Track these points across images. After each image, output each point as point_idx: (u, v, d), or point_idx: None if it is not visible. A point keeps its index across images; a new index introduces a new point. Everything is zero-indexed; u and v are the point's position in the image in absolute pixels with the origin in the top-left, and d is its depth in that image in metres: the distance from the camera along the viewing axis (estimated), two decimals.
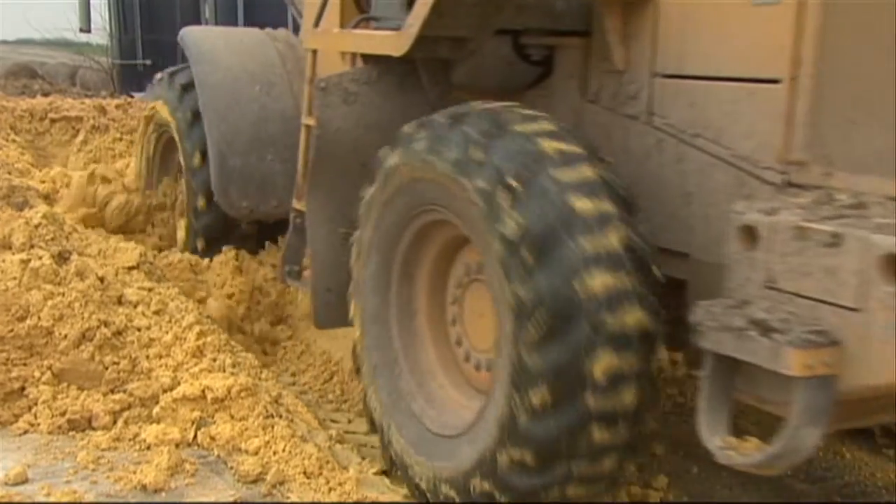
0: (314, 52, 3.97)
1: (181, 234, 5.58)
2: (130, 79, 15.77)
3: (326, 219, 3.71)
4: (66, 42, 19.67)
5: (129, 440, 3.45)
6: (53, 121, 8.31)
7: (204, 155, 4.97)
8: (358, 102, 3.60)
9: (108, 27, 16.59)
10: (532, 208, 2.62)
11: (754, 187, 2.74)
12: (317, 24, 3.97)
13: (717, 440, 2.39)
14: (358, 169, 3.52)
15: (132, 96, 10.59)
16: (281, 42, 5.00)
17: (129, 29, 16.76)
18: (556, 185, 2.64)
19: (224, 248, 5.29)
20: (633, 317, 2.57)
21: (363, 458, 3.48)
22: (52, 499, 2.92)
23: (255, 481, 3.19)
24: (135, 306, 4.14)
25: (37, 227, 4.48)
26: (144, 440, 3.42)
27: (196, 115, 4.98)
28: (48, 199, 6.13)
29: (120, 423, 3.54)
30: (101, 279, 4.14)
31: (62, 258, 4.19)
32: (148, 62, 16.24)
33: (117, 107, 8.40)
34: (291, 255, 4.05)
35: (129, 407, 3.62)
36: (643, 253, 2.66)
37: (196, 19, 15.40)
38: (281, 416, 3.55)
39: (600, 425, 2.58)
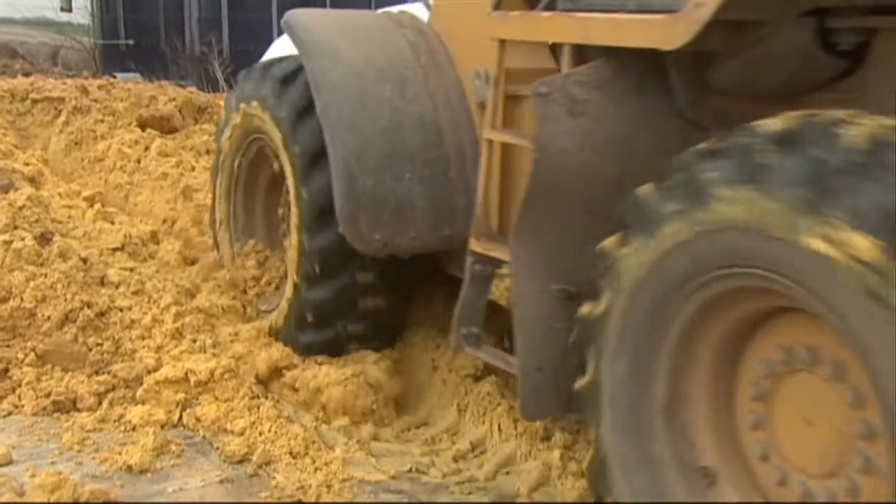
0: (502, 43, 3.10)
1: (282, 308, 4.04)
2: (113, 59, 15.64)
3: (537, 272, 2.78)
4: (46, 21, 19.46)
5: (115, 421, 3.45)
6: (35, 101, 8.21)
7: (324, 212, 3.65)
8: (586, 114, 2.72)
9: (89, 6, 16.43)
10: None
11: None
12: (498, 5, 3.15)
13: None
14: (581, 205, 2.73)
15: (114, 76, 10.49)
16: (409, 28, 3.82)
17: (111, 8, 16.61)
18: None
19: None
20: None
21: (349, 439, 3.49)
22: (37, 480, 2.92)
23: (240, 461, 3.20)
24: (117, 287, 4.13)
25: (21, 208, 4.45)
26: (130, 421, 3.43)
27: (322, 149, 3.60)
28: (33, 181, 6.09)
29: (105, 404, 3.54)
30: (84, 260, 4.13)
31: (44, 239, 4.17)
32: (130, 42, 16.10)
33: (100, 87, 8.31)
34: (469, 314, 3.15)
35: (114, 388, 3.62)
36: None
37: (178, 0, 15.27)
38: (266, 397, 3.56)
39: None
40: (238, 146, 4.33)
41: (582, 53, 2.86)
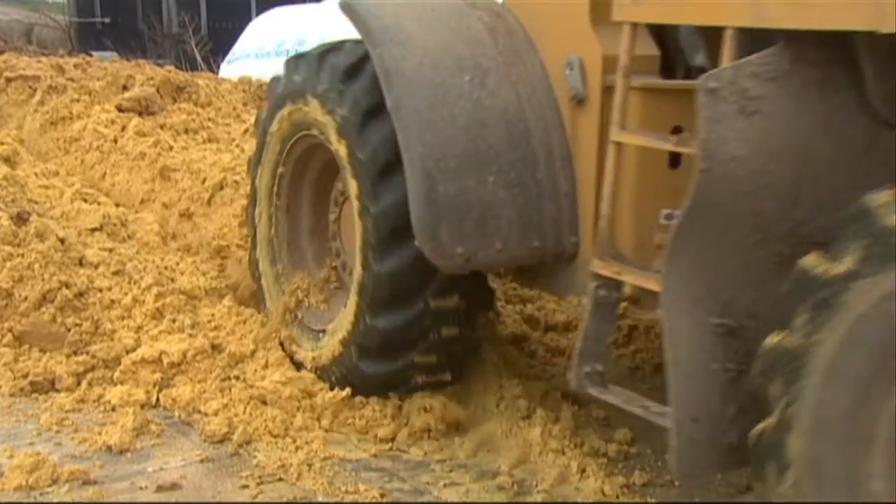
0: (634, 27, 2.64)
1: (339, 334, 3.47)
2: (88, 37, 15.44)
3: (693, 304, 2.39)
4: None
5: (94, 402, 3.45)
6: (9, 80, 8.08)
7: (396, 231, 3.20)
8: (761, 112, 2.31)
9: None
10: None
11: None
12: None
13: None
14: (749, 221, 2.34)
15: (90, 55, 10.36)
16: (482, 10, 3.39)
17: None
18: None
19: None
20: None
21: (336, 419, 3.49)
22: (15, 461, 2.91)
23: (221, 441, 3.20)
24: (96, 267, 4.11)
25: None
26: (109, 401, 3.43)
27: (396, 158, 3.15)
28: (8, 161, 6.02)
29: (84, 384, 3.52)
30: (62, 240, 4.09)
31: (21, 219, 4.13)
32: (106, 20, 15.89)
33: (75, 66, 8.20)
34: (592, 348, 2.76)
35: (93, 369, 3.61)
36: None
37: None
38: (239, 378, 3.55)
39: None
40: (283, 144, 3.72)
41: (739, 39, 2.40)
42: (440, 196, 3.04)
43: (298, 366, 3.63)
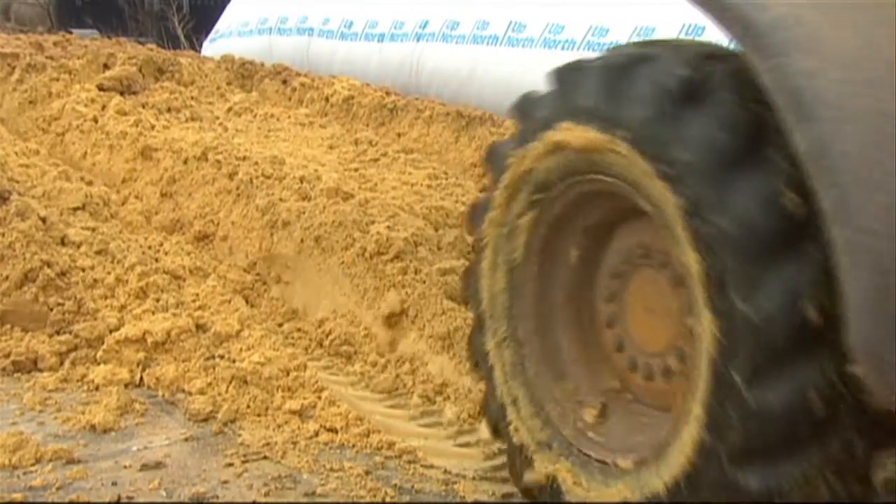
0: None
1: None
2: (68, 14, 15.24)
3: None
4: None
5: (77, 381, 3.44)
6: None
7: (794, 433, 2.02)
8: None
9: None
10: None
11: None
12: None
13: None
14: None
15: (70, 32, 10.24)
16: None
17: None
18: None
19: None
20: None
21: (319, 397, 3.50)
22: None
23: (205, 420, 3.20)
24: (78, 246, 4.08)
25: None
26: (93, 381, 3.41)
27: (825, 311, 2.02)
28: None
29: (67, 364, 3.51)
30: (44, 219, 4.06)
31: (1, 198, 4.10)
32: None
33: (55, 44, 8.12)
34: None
35: (76, 348, 3.59)
36: None
37: None
38: (223, 358, 3.55)
39: None
40: (541, 190, 2.52)
41: None
42: (894, 298, 1.94)
43: None
